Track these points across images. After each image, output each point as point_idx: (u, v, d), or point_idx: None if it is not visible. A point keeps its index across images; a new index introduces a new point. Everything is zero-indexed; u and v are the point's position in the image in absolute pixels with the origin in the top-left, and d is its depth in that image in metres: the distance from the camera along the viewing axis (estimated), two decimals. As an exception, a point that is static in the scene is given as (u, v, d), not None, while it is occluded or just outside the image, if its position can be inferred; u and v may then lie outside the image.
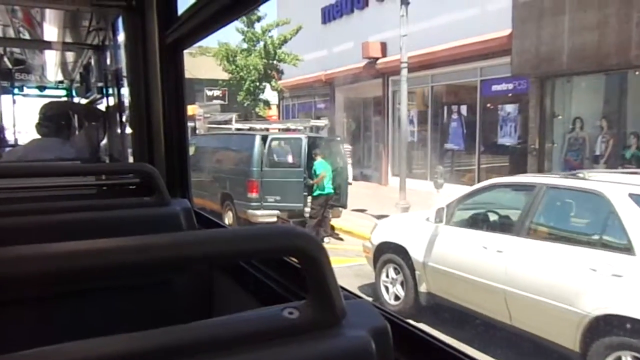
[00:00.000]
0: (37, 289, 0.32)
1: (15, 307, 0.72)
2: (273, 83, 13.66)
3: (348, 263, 5.33)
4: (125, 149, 2.12)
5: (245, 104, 14.04)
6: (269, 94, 14.76)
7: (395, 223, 4.43)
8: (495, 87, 8.84)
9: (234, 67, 13.21)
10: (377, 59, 11.04)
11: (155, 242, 0.34)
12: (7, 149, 2.39)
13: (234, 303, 0.93)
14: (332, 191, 6.42)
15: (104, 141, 2.31)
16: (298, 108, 15.78)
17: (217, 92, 16.31)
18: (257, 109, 14.25)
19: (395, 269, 3.88)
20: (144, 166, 1.07)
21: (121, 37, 1.95)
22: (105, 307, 0.84)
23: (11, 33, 2.90)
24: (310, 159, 6.52)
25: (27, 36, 2.96)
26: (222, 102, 16.13)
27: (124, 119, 2.17)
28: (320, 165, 6.34)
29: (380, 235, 4.11)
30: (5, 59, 3.82)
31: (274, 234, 0.38)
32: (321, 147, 6.91)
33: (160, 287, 0.88)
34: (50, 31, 2.63)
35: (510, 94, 8.60)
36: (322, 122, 9.72)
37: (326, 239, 6.36)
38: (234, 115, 11.85)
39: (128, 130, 1.92)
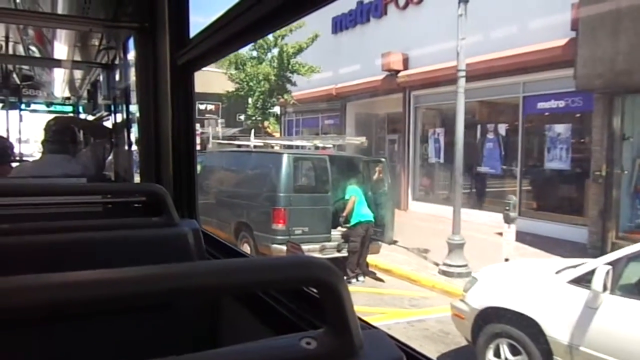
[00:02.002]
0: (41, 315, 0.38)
1: (13, 332, 0.77)
2: (286, 96, 13.98)
3: (406, 317, 4.83)
4: (132, 167, 2.35)
5: (253, 118, 14.40)
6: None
7: (507, 279, 3.67)
8: (541, 104, 8.81)
9: (243, 75, 13.55)
10: (398, 71, 11.27)
11: (169, 272, 0.36)
12: (14, 164, 2.67)
13: (241, 330, 1.01)
14: (372, 219, 6.15)
15: (110, 157, 2.54)
16: (302, 124, 16.15)
17: (210, 107, 16.84)
18: (266, 124, 14.54)
19: (512, 346, 3.22)
20: (153, 186, 1.20)
21: (131, 56, 2.22)
22: (105, 331, 0.91)
23: (21, 50, 3.27)
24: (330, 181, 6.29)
25: (37, 53, 3.33)
26: (215, 117, 16.68)
27: (131, 137, 2.40)
28: (355, 190, 6.13)
29: (484, 295, 3.45)
30: (14, 75, 4.26)
31: (292, 264, 0.42)
32: (361, 168, 6.68)
33: (164, 311, 0.97)
34: (60, 49, 2.98)
35: (560, 112, 8.52)
36: (359, 140, 9.51)
37: (361, 278, 6.07)
38: (246, 131, 12.04)
39: (134, 148, 2.14)
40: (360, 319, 0.61)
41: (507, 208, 6.08)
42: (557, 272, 3.22)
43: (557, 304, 3.04)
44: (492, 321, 3.33)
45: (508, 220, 6.05)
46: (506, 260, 5.71)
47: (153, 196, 1.15)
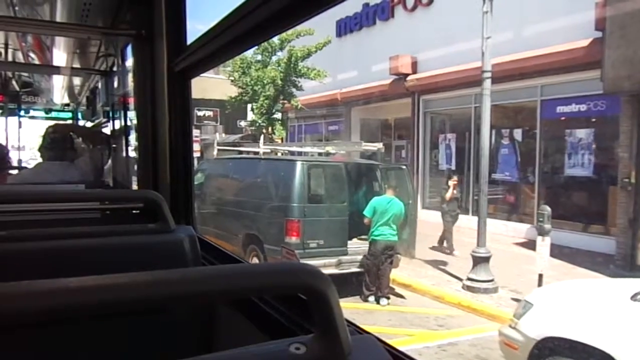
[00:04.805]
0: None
1: (9, 336, 0.80)
2: (293, 101, 14.15)
3: (436, 340, 4.64)
4: (130, 174, 2.45)
5: (257, 124, 14.59)
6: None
7: (569, 305, 3.33)
8: (561, 108, 8.80)
9: (248, 79, 13.76)
10: (407, 75, 11.37)
11: (164, 278, 0.39)
12: (13, 171, 2.80)
13: (236, 334, 1.07)
14: (396, 238, 5.86)
15: (109, 163, 2.66)
16: (305, 129, 16.35)
17: (208, 113, 17.11)
18: (270, 129, 14.61)
19: None
20: (149, 193, 1.25)
21: (129, 63, 2.33)
22: (101, 335, 0.95)
23: (20, 57, 3.44)
24: (346, 189, 6.19)
25: (36, 60, 3.50)
26: (214, 123, 16.91)
27: (129, 143, 2.52)
28: (382, 203, 5.81)
29: (543, 323, 3.19)
30: (13, 82, 4.46)
31: (283, 271, 0.44)
32: (378, 177, 6.55)
33: (159, 315, 1.02)
34: (59, 56, 3.14)
35: (582, 116, 8.50)
36: (376, 146, 9.44)
37: (383, 301, 5.71)
38: (247, 137, 12.12)
39: (132, 154, 2.24)
40: (351, 323, 0.65)
41: (541, 219, 5.87)
42: (632, 298, 2.97)
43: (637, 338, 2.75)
44: (554, 354, 3.02)
45: (542, 232, 5.82)
46: (540, 275, 5.59)
47: (149, 203, 1.21)
